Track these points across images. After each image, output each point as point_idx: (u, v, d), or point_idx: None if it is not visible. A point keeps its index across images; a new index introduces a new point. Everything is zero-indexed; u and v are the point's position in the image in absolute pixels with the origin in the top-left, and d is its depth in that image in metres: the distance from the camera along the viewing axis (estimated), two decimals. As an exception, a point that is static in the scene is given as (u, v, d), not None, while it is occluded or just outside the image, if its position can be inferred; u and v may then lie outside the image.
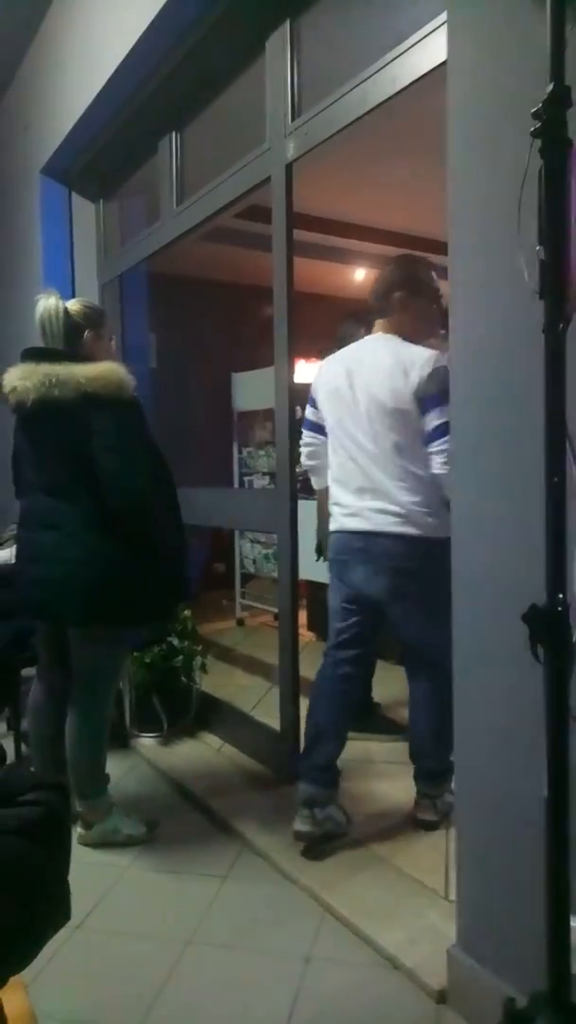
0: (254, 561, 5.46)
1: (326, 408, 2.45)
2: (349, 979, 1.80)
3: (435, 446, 2.20)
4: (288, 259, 2.72)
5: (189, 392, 5.93)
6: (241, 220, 3.91)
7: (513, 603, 0.99)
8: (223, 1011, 1.71)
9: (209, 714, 3.43)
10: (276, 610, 3.28)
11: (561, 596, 0.90)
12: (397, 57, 2.15)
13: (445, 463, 2.13)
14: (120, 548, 2.23)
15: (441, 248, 1.71)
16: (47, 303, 2.30)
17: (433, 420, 2.19)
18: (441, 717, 2.17)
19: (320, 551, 2.90)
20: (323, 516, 2.66)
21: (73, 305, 2.35)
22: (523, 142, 0.95)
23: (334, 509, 2.43)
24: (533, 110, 0.94)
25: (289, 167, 2.69)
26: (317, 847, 2.30)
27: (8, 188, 4.75)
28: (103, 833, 2.41)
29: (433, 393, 2.17)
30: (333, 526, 2.44)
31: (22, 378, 2.19)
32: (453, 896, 1.82)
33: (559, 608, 0.89)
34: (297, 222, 2.77)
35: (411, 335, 2.37)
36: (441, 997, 1.69)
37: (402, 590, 2.28)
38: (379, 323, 2.44)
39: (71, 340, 2.31)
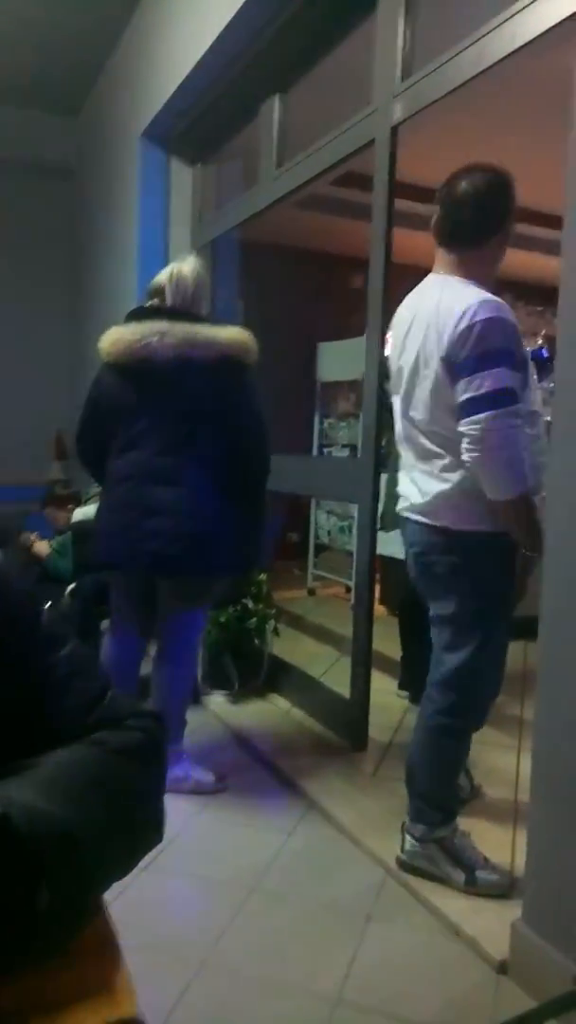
0: (328, 532, 5.47)
1: (393, 369, 2.08)
2: (409, 942, 1.82)
3: (463, 425, 1.77)
4: (388, 228, 2.68)
5: (274, 360, 5.93)
6: (337, 187, 3.86)
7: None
8: (281, 961, 1.75)
9: (279, 677, 3.48)
10: (347, 582, 3.29)
11: None
12: (519, 12, 2.06)
13: (472, 448, 1.76)
14: (236, 505, 2.38)
15: (555, 223, 1.64)
16: (189, 266, 2.44)
17: (462, 392, 1.76)
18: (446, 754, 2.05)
19: (383, 521, 2.83)
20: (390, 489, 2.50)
21: (202, 268, 2.49)
22: None
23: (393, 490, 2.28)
24: None
25: (395, 130, 2.63)
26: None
27: (109, 151, 4.82)
28: (174, 778, 2.50)
29: (468, 357, 1.74)
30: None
31: (153, 334, 2.25)
32: (519, 871, 1.81)
33: None
34: (398, 191, 2.71)
35: (485, 278, 1.91)
36: (502, 968, 1.69)
37: (432, 587, 2.02)
38: (441, 255, 1.93)
39: (200, 303, 2.45)
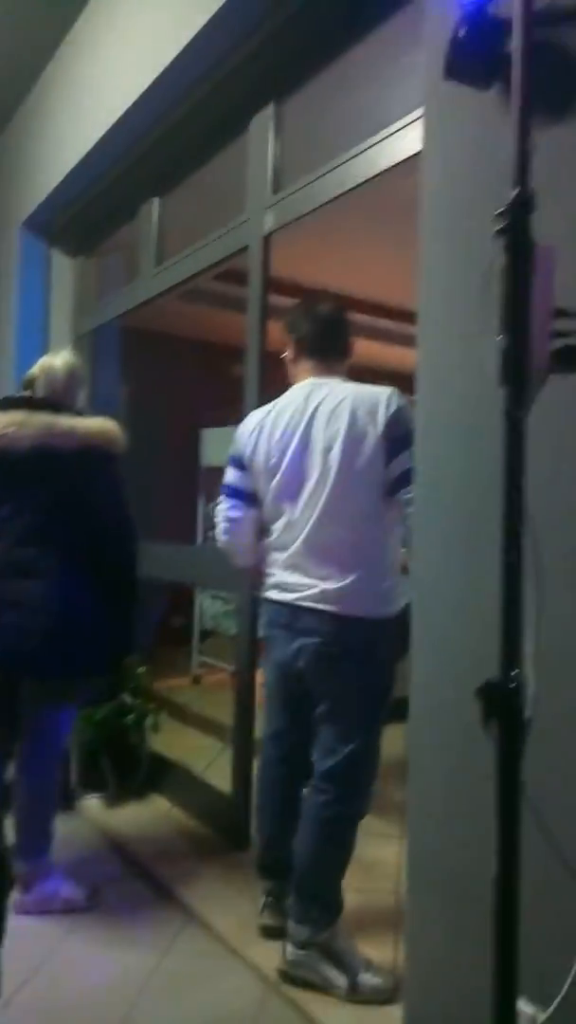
0: (214, 617, 5.41)
1: (263, 466, 2.16)
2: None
3: (405, 493, 1.92)
4: (262, 325, 2.80)
5: (157, 446, 5.95)
6: (216, 281, 4.02)
7: (470, 676, 1.00)
8: None
9: (159, 775, 3.34)
10: (233, 669, 3.24)
11: (514, 672, 0.92)
12: (375, 144, 2.27)
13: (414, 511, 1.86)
14: (101, 598, 2.28)
15: (410, 318, 1.79)
16: (61, 359, 2.47)
17: (405, 463, 1.93)
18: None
19: None
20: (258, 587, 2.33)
21: (75, 362, 2.51)
22: (489, 237, 1.01)
23: (266, 579, 2.20)
24: (498, 211, 1.00)
25: (267, 238, 2.79)
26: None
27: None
28: (42, 896, 2.31)
29: (402, 435, 1.94)
30: (264, 595, 2.21)
31: (11, 425, 2.23)
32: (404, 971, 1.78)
33: (512, 685, 0.91)
34: (273, 286, 2.87)
35: (334, 376, 2.19)
36: None
37: (329, 679, 2.04)
38: (315, 364, 2.20)
39: (71, 395, 2.44)
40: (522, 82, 1.02)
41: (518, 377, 0.98)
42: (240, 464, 2.26)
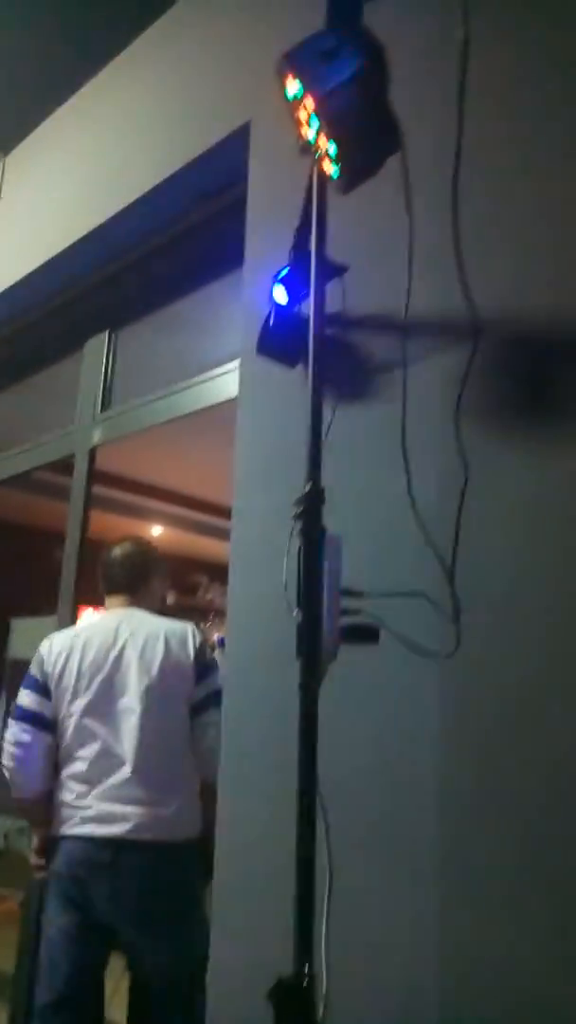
0: (6, 836, 4.81)
1: (70, 688, 2.09)
2: None
3: (209, 715, 2.00)
4: (83, 528, 2.82)
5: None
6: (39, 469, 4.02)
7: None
8: None
9: None
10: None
11: (307, 967, 0.90)
12: (198, 384, 2.48)
13: (217, 735, 1.88)
14: None
15: (226, 513, 1.92)
16: None
17: (212, 684, 2.04)
18: None
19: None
20: (37, 822, 2.17)
21: None
22: (287, 483, 1.12)
23: (67, 811, 2.03)
24: (295, 499, 1.12)
25: (93, 450, 2.88)
26: None
27: None
28: None
29: (210, 659, 2.13)
30: (67, 830, 2.01)
31: None
32: None
33: (304, 983, 0.88)
34: (97, 478, 2.94)
35: (151, 611, 2.31)
36: None
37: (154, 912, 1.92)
38: (123, 597, 2.30)
39: None
40: (314, 395, 1.18)
41: (312, 652, 1.05)
42: (41, 688, 2.14)
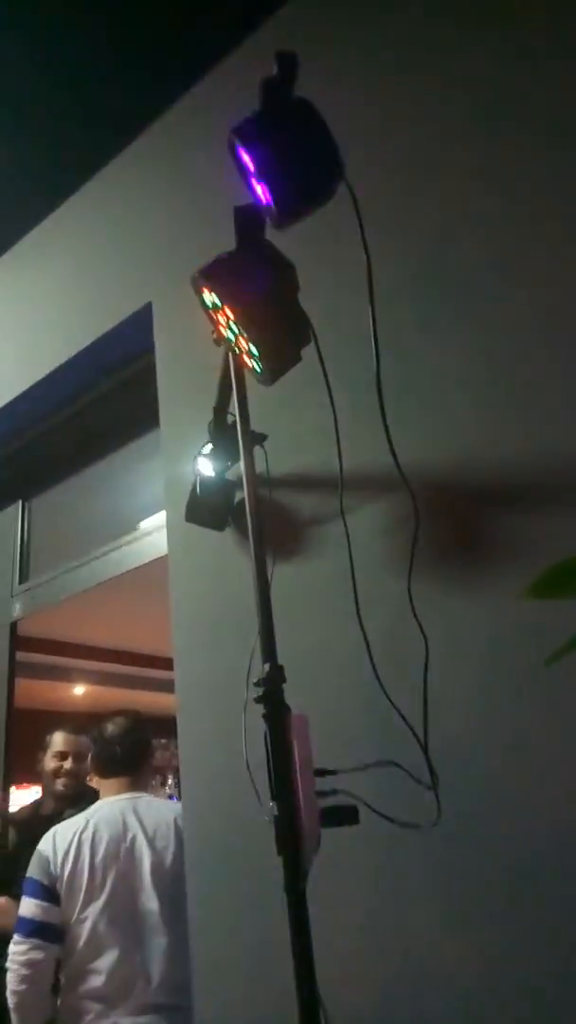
0: None
1: (81, 888, 1.91)
2: None
3: None
4: (8, 708, 2.66)
5: None
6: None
7: None
8: None
9: None
10: None
11: None
12: (122, 547, 2.45)
13: None
14: None
15: (159, 663, 1.84)
16: None
17: None
18: None
19: None
20: None
21: None
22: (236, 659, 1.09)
23: None
24: (255, 682, 1.09)
25: (14, 624, 2.76)
26: None
27: None
28: None
29: None
30: None
31: None
32: None
33: None
34: (20, 644, 2.81)
35: (145, 790, 2.21)
36: None
37: None
38: (125, 779, 2.15)
39: None
40: (258, 566, 1.19)
41: (293, 851, 0.99)
42: (48, 894, 1.92)
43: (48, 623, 4.99)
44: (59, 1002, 1.89)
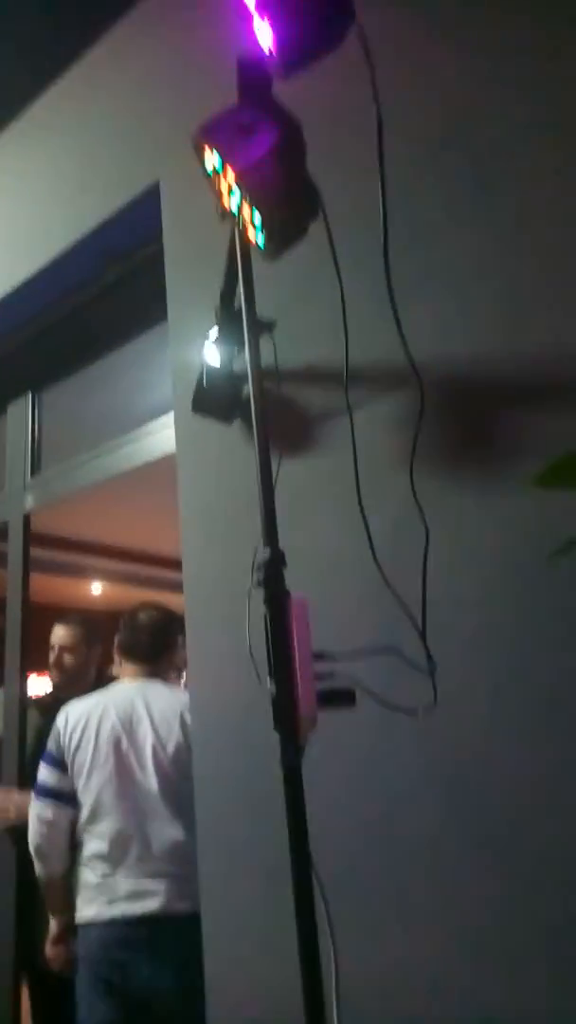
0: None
1: (87, 762, 2.07)
2: None
3: None
4: (24, 596, 2.72)
5: None
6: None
7: None
8: None
9: None
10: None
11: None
12: (132, 443, 2.43)
13: None
14: None
15: (171, 564, 1.88)
16: None
17: None
18: None
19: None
20: (60, 905, 2.12)
21: None
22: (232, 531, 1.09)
23: (93, 892, 1.99)
24: (255, 565, 1.09)
25: (27, 517, 2.78)
26: None
27: None
28: None
29: None
30: (98, 914, 1.97)
31: None
32: None
33: None
34: (34, 540, 2.84)
35: (166, 678, 2.31)
36: None
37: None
38: (144, 667, 2.27)
39: None
40: (261, 455, 1.17)
41: (290, 727, 1.02)
42: (58, 763, 2.12)
43: (64, 521, 5.05)
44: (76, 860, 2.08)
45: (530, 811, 1.21)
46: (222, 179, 0.97)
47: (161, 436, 2.30)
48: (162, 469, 2.44)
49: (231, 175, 0.93)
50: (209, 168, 0.98)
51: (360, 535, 1.25)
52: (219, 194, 1.03)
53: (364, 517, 1.17)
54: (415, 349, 1.15)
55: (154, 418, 2.35)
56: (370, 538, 1.15)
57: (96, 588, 6.39)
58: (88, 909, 1.99)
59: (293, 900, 0.96)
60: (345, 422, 1.30)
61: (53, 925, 2.13)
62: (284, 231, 0.96)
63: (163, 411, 2.28)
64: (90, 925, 1.98)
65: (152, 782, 2.04)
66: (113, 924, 1.94)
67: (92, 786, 2.05)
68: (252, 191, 0.91)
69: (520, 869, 1.21)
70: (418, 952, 1.28)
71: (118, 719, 2.12)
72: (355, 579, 1.37)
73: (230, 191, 0.97)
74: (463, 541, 1.32)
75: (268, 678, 1.06)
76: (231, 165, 0.91)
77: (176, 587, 1.97)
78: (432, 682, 1.06)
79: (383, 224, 1.06)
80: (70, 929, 2.07)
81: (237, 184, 0.93)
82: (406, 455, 1.24)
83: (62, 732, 2.14)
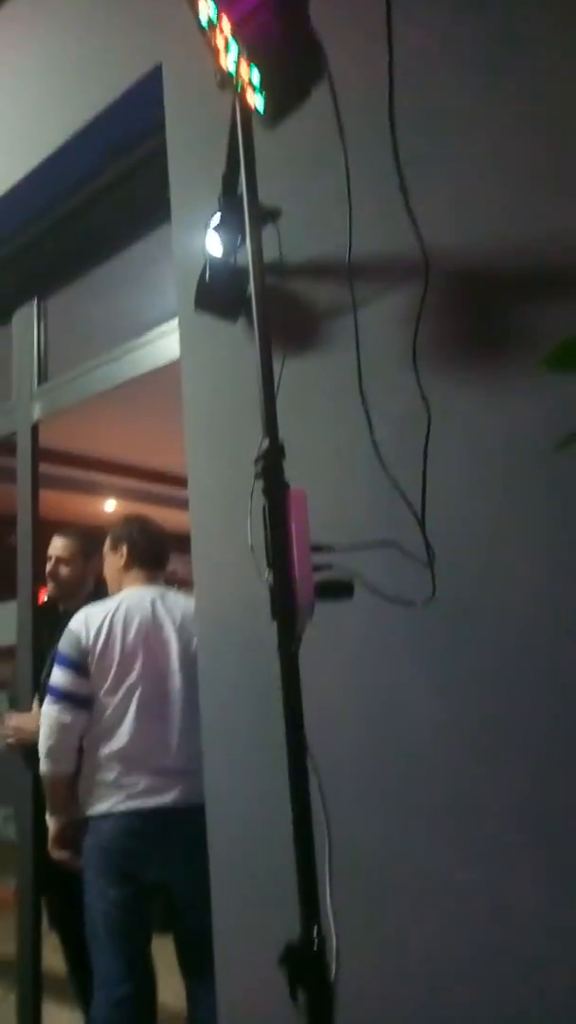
0: (-8, 822, 4.77)
1: (111, 666, 2.11)
2: None
3: None
4: (34, 504, 2.73)
5: None
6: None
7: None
8: None
9: None
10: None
11: (316, 930, 0.89)
12: (137, 349, 2.38)
13: None
14: None
15: (183, 482, 1.85)
16: None
17: None
18: None
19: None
20: (62, 805, 2.15)
21: None
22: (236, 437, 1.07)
23: (107, 790, 2.05)
24: (255, 458, 1.07)
25: (35, 426, 2.76)
26: None
27: None
28: None
29: None
30: (112, 808, 2.03)
31: None
32: None
33: (315, 946, 0.87)
34: (44, 456, 2.83)
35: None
36: None
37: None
38: (147, 573, 2.33)
39: None
40: (262, 348, 1.13)
41: (287, 614, 1.02)
42: (77, 666, 2.12)
43: (70, 436, 5.02)
44: (83, 763, 2.11)
45: (530, 703, 1.22)
46: (218, 32, 0.90)
47: (169, 341, 2.24)
48: (173, 384, 2.39)
49: (227, 25, 0.86)
50: (204, 19, 0.90)
51: (362, 431, 1.22)
52: (216, 52, 0.95)
53: (366, 409, 1.13)
54: (422, 233, 1.09)
55: (162, 323, 2.28)
56: (371, 427, 1.11)
57: (109, 505, 6.42)
58: (103, 804, 2.04)
59: (290, 787, 0.98)
60: (351, 318, 1.25)
61: (53, 825, 2.15)
62: (285, 90, 0.89)
63: (171, 316, 2.22)
64: (105, 817, 2.03)
65: (177, 682, 2.11)
66: (128, 815, 2.01)
67: (120, 688, 2.08)
68: (249, 43, 0.84)
69: (523, 758, 1.22)
70: (413, 841, 1.32)
71: (142, 622, 2.16)
72: (357, 474, 1.35)
73: (227, 46, 0.90)
74: (466, 432, 1.28)
75: (267, 570, 1.05)
76: (226, 13, 0.84)
77: (188, 505, 1.95)
78: (431, 573, 1.05)
79: (389, 101, 0.99)
80: (69, 827, 2.12)
81: (233, 36, 0.85)
82: (410, 350, 1.20)
83: (82, 637, 2.13)
